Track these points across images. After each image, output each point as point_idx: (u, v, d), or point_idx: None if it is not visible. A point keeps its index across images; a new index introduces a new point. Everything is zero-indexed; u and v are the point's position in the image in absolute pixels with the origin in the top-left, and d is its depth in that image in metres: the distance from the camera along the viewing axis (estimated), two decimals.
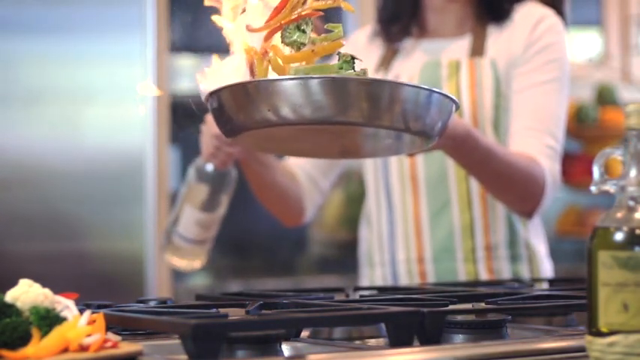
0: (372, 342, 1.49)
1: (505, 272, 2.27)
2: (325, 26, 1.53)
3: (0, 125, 3.31)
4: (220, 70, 1.59)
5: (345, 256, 4.21)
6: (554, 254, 2.46)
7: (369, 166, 2.35)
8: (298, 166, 2.32)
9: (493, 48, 2.27)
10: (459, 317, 1.43)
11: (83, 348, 1.24)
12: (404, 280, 2.29)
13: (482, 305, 1.56)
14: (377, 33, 2.38)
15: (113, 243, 3.44)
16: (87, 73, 3.41)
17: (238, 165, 2.14)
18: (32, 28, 3.36)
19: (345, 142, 1.69)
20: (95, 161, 3.40)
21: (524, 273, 2.28)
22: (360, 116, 1.49)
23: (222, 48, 1.60)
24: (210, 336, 1.26)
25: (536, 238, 2.32)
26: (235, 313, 1.48)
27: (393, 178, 2.30)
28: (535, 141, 2.17)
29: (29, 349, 1.23)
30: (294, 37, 1.52)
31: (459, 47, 2.30)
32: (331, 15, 1.55)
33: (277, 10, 1.53)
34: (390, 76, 2.31)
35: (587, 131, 4.96)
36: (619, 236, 1.22)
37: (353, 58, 1.52)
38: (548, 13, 2.28)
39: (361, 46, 2.37)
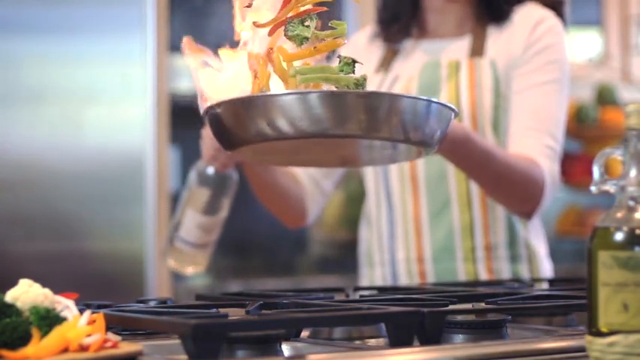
0: (372, 342, 1.48)
1: (505, 272, 2.27)
2: (330, 23, 1.53)
3: (0, 125, 3.31)
4: (220, 72, 1.58)
5: (345, 256, 4.21)
6: (554, 254, 2.46)
7: (369, 167, 2.35)
8: (300, 167, 2.32)
9: (493, 49, 2.27)
10: (459, 317, 1.43)
11: (83, 348, 1.24)
12: (404, 280, 2.29)
13: (482, 305, 1.56)
14: (377, 34, 2.39)
15: (113, 243, 3.44)
16: (87, 73, 3.41)
17: (239, 166, 2.14)
18: (32, 28, 3.36)
19: (344, 153, 1.69)
20: (95, 161, 3.40)
21: (524, 273, 2.28)
22: (359, 129, 1.49)
23: (222, 48, 1.60)
24: (210, 336, 1.26)
25: (536, 238, 2.32)
26: (235, 313, 1.48)
27: (392, 178, 2.30)
28: (534, 141, 2.17)
29: (29, 349, 1.23)
30: (297, 31, 1.52)
31: (458, 48, 2.30)
32: (332, 16, 1.55)
33: (285, 2, 1.53)
34: (390, 77, 2.31)
35: (587, 131, 4.96)
36: (619, 236, 1.22)
37: (354, 61, 1.52)
38: (548, 14, 2.28)
39: (361, 48, 2.37)
